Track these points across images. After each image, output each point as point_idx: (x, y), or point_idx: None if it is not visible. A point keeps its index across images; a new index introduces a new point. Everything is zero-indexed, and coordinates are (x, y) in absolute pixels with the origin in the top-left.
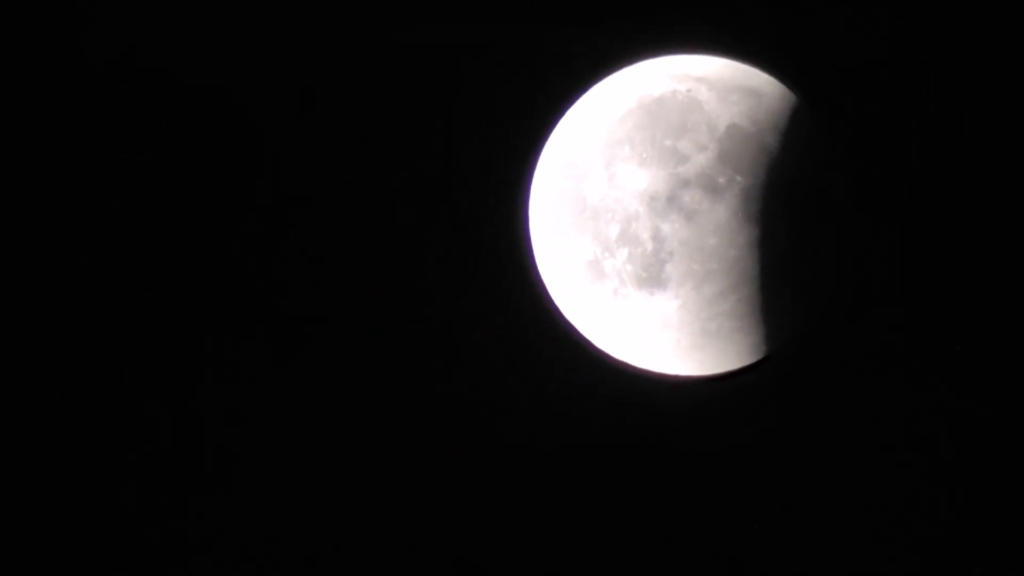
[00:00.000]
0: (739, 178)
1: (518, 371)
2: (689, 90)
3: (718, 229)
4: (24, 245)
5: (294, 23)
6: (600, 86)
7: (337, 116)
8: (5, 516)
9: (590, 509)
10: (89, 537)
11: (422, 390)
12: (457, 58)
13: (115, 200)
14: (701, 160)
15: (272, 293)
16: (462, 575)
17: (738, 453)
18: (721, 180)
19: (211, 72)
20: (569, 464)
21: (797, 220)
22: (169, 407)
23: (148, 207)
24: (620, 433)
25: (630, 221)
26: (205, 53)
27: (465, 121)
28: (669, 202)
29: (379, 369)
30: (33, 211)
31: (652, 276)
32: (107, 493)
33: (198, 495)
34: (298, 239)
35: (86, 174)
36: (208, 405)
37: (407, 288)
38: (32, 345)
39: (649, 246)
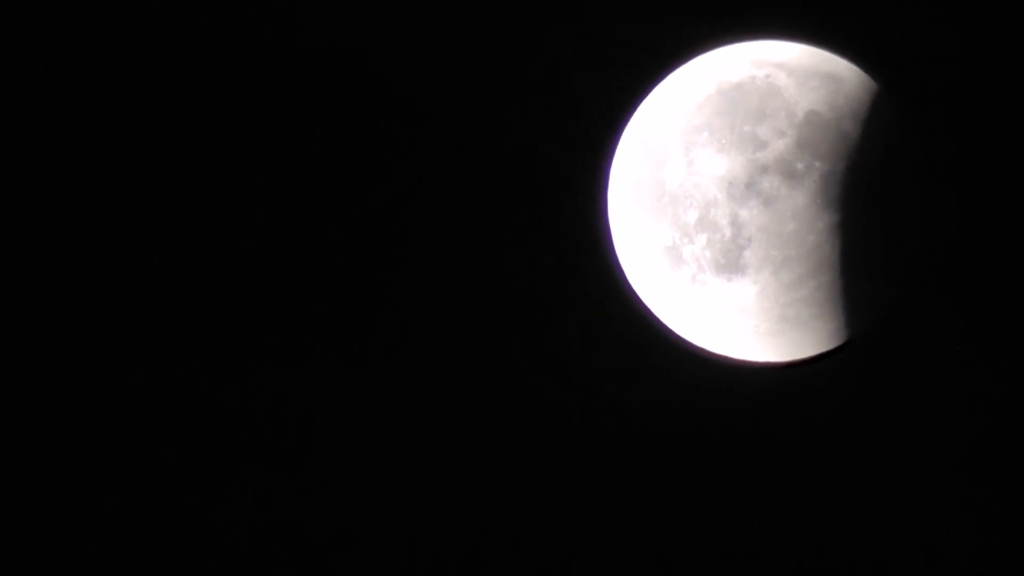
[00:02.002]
0: (818, 164)
1: (596, 356)
2: (768, 76)
3: (796, 215)
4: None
5: (379, 17)
6: (679, 72)
7: (419, 105)
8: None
9: (667, 493)
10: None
11: (500, 375)
12: (538, 45)
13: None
14: (780, 146)
15: (360, 282)
16: (540, 555)
17: (816, 439)
18: (800, 166)
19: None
20: (646, 449)
21: (875, 206)
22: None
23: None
24: (697, 418)
25: (709, 207)
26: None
27: (546, 108)
28: (748, 188)
29: (459, 353)
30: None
31: (730, 262)
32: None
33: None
34: (380, 229)
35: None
36: (303, 398)
37: (487, 274)
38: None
39: (728, 232)
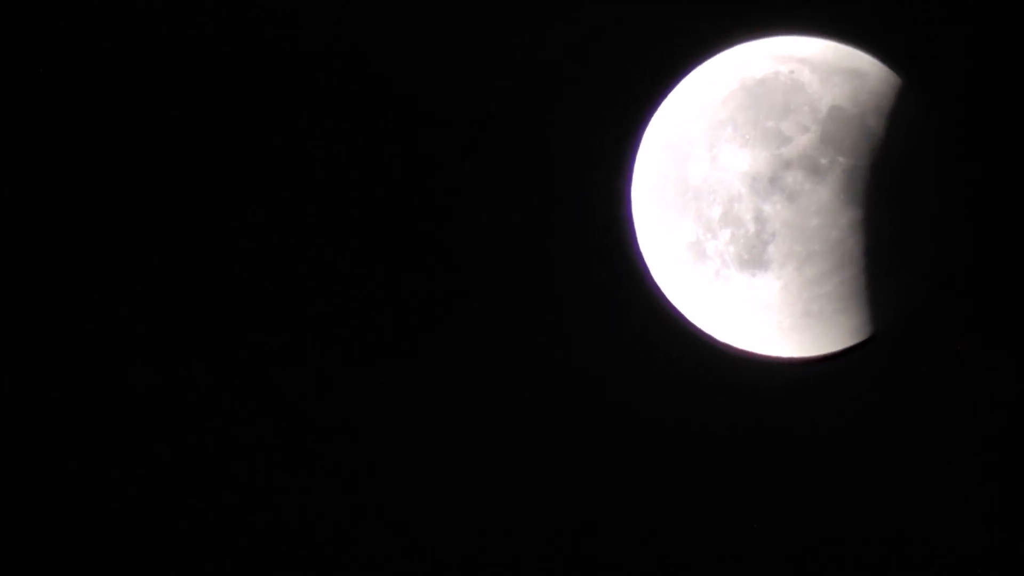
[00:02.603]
0: (841, 159)
1: (618, 351)
2: (792, 71)
3: (820, 210)
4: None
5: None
6: (703, 67)
7: (442, 99)
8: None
9: (689, 489)
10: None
11: (523, 370)
12: (563, 40)
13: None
14: (803, 141)
15: (360, 282)
16: (567, 548)
17: (839, 435)
18: (823, 161)
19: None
20: (668, 444)
21: (899, 201)
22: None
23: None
24: (720, 414)
25: (732, 202)
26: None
27: (570, 101)
28: (771, 183)
29: (482, 348)
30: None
31: (754, 257)
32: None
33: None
34: (406, 225)
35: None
36: (303, 398)
37: (509, 268)
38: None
39: (751, 227)
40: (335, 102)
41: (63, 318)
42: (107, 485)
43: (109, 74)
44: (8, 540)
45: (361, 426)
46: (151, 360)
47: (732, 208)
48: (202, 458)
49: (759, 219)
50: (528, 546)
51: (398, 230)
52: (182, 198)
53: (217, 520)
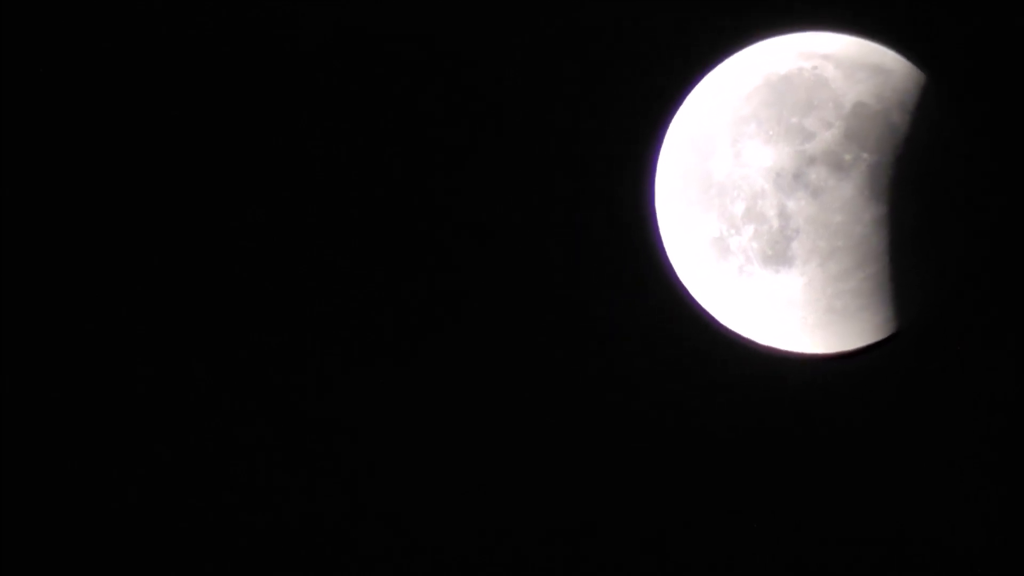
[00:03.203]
0: (865, 155)
1: (642, 347)
2: (815, 67)
3: (844, 206)
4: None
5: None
6: (727, 63)
7: (462, 95)
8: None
9: (713, 485)
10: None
11: (546, 365)
12: (586, 35)
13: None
14: (827, 137)
15: (403, 275)
16: (567, 547)
17: (863, 432)
18: (847, 157)
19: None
20: (692, 440)
21: (923, 197)
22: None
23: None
24: (744, 410)
25: (756, 198)
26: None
27: (593, 97)
28: (795, 179)
29: (506, 344)
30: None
31: (778, 253)
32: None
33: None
34: (424, 220)
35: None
36: (304, 398)
37: (534, 264)
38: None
39: (775, 223)
40: (335, 102)
41: (63, 318)
42: (107, 485)
43: (109, 73)
44: (8, 540)
45: (361, 426)
46: (151, 360)
47: (756, 204)
48: (202, 458)
49: (783, 215)
50: (528, 546)
51: (399, 230)
52: (182, 198)
53: (217, 520)
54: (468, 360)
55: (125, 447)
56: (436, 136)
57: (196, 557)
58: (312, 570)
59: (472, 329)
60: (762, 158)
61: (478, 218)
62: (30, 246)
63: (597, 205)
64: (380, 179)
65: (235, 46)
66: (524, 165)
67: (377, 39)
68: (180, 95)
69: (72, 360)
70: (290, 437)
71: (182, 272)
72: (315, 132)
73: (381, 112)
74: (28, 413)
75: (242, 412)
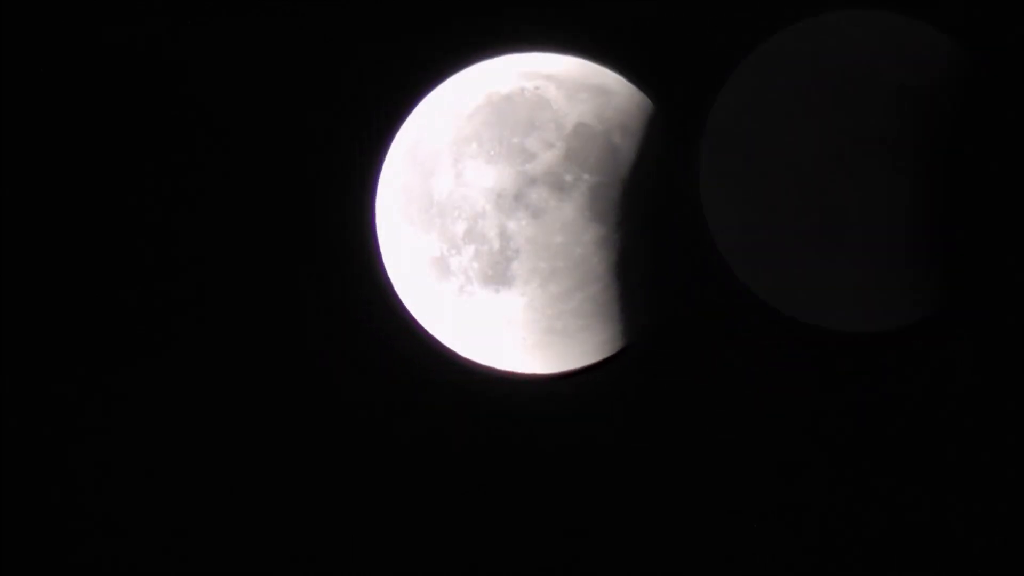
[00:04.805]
0: (586, 176)
1: (361, 366)
2: (537, 88)
3: (564, 227)
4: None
5: None
6: (449, 82)
7: (189, 109)
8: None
9: (436, 507)
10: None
11: (262, 388)
12: (307, 48)
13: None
14: (548, 158)
15: (121, 289)
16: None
17: (584, 450)
18: (568, 178)
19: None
20: (414, 461)
21: (643, 218)
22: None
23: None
24: (465, 430)
25: (477, 218)
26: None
27: (312, 113)
28: (516, 200)
29: (221, 366)
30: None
31: (498, 274)
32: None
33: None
34: (143, 238)
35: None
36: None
37: (250, 283)
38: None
39: (496, 244)
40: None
41: (61, 318)
42: (107, 485)
43: (108, 73)
44: (8, 540)
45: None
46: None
47: (476, 224)
48: (202, 458)
49: (503, 235)
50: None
51: (110, 242)
52: (179, 197)
53: (216, 520)
54: (177, 384)
55: (125, 447)
56: (147, 148)
57: (196, 556)
58: (311, 570)
59: (182, 351)
60: (484, 178)
61: (194, 237)
62: (28, 246)
63: (315, 223)
64: (93, 188)
65: (235, 45)
66: (243, 181)
67: (108, 45)
68: (180, 94)
69: (71, 360)
70: (291, 437)
71: (180, 271)
72: None
73: (107, 114)
74: (28, 413)
75: (242, 412)
